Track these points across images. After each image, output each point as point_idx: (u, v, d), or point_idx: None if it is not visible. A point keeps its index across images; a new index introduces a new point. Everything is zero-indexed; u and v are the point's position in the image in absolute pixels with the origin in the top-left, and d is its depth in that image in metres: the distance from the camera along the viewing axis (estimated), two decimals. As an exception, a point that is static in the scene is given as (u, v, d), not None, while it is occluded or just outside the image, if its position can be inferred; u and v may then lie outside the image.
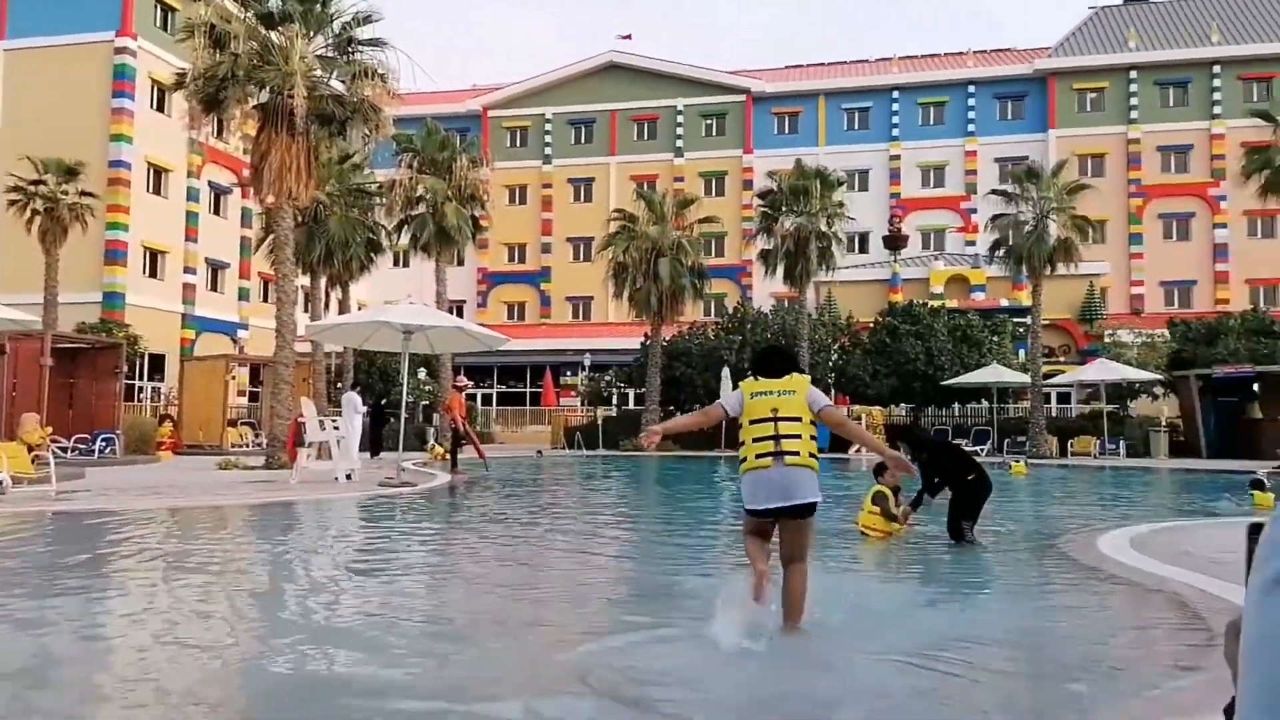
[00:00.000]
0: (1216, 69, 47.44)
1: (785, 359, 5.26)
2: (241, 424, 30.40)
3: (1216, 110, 47.14)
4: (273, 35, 19.73)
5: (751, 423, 4.89)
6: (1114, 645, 5.19)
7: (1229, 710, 0.85)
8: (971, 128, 49.98)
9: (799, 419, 4.84)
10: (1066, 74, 48.85)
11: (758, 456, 4.82)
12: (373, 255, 31.76)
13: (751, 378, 5.13)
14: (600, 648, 4.88)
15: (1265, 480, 13.39)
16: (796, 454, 4.77)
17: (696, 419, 5.45)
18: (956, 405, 33.01)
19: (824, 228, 31.45)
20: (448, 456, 24.91)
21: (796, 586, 4.90)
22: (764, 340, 31.95)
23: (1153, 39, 49.39)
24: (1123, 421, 29.27)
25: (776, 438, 4.79)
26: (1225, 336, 29.07)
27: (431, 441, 27.58)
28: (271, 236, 22.84)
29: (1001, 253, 29.12)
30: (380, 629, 5.27)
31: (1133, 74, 48.13)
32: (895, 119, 50.90)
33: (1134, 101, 48.08)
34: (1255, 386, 27.51)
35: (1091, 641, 5.22)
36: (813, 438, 4.88)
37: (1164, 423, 28.57)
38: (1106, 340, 37.88)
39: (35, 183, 27.77)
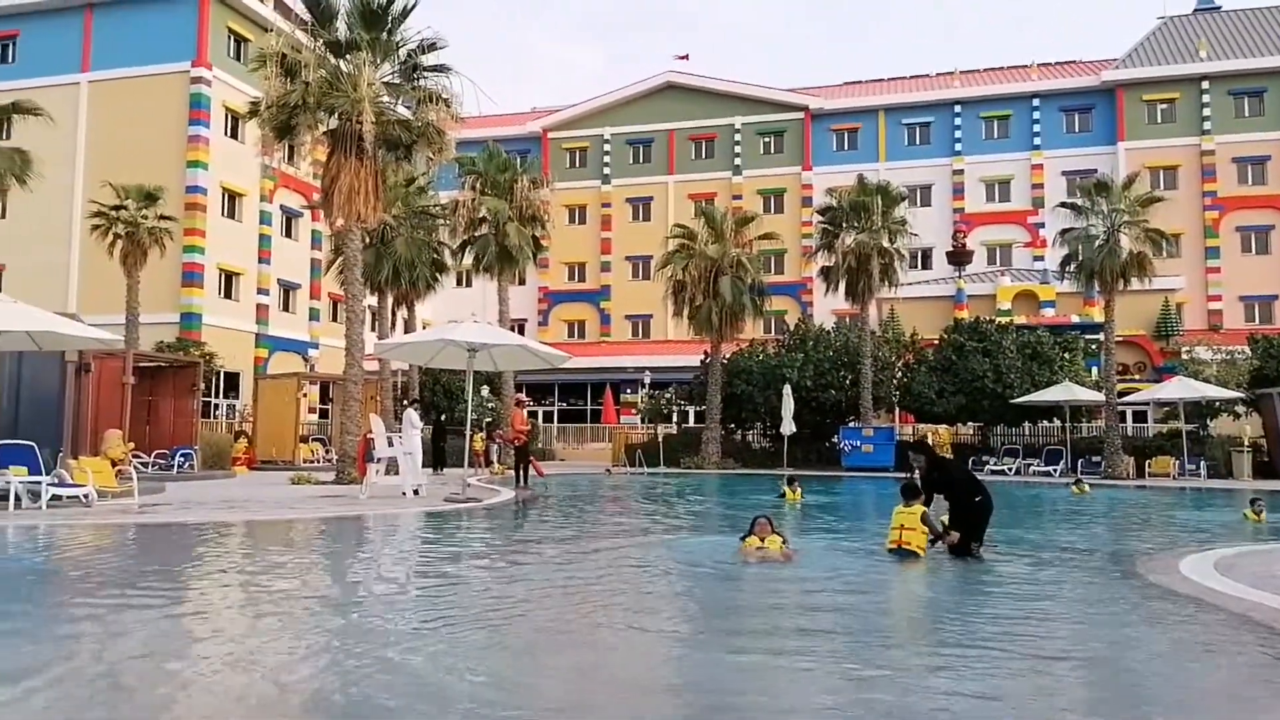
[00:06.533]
0: (1295, 77, 45.90)
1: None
2: (313, 440, 31.09)
3: (1295, 119, 45.55)
4: (341, 63, 20.34)
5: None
6: (1203, 673, 5.01)
7: None
8: (1037, 141, 49.07)
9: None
10: (1135, 85, 47.70)
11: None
12: (437, 275, 32.35)
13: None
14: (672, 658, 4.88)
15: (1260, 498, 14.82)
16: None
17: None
18: (1027, 424, 32.16)
19: (886, 244, 31.13)
20: (507, 469, 25.32)
21: None
22: (826, 358, 31.72)
23: (1225, 49, 47.98)
24: (1203, 441, 28.25)
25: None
26: (1310, 352, 27.94)
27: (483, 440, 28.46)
28: (341, 258, 23.41)
29: (1072, 267, 28.31)
30: (447, 638, 5.34)
31: (1205, 84, 46.80)
32: (957, 133, 50.23)
33: (1206, 112, 46.71)
34: (1343, 404, 26.37)
35: (1179, 667, 5.05)
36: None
37: (1247, 442, 27.51)
38: (1184, 357, 36.63)
39: (116, 208, 28.88)
